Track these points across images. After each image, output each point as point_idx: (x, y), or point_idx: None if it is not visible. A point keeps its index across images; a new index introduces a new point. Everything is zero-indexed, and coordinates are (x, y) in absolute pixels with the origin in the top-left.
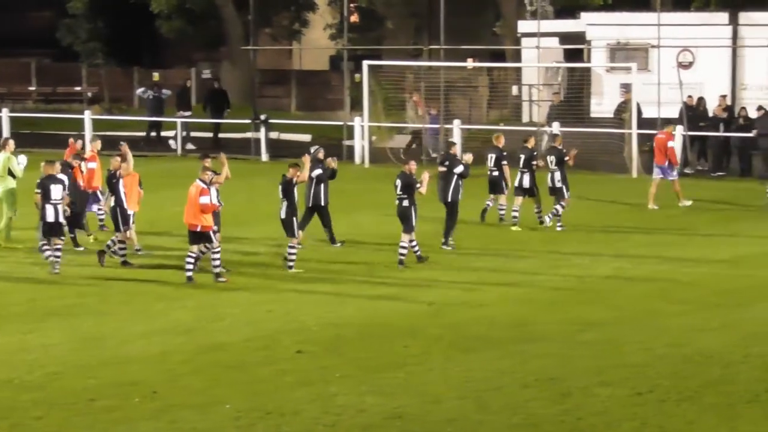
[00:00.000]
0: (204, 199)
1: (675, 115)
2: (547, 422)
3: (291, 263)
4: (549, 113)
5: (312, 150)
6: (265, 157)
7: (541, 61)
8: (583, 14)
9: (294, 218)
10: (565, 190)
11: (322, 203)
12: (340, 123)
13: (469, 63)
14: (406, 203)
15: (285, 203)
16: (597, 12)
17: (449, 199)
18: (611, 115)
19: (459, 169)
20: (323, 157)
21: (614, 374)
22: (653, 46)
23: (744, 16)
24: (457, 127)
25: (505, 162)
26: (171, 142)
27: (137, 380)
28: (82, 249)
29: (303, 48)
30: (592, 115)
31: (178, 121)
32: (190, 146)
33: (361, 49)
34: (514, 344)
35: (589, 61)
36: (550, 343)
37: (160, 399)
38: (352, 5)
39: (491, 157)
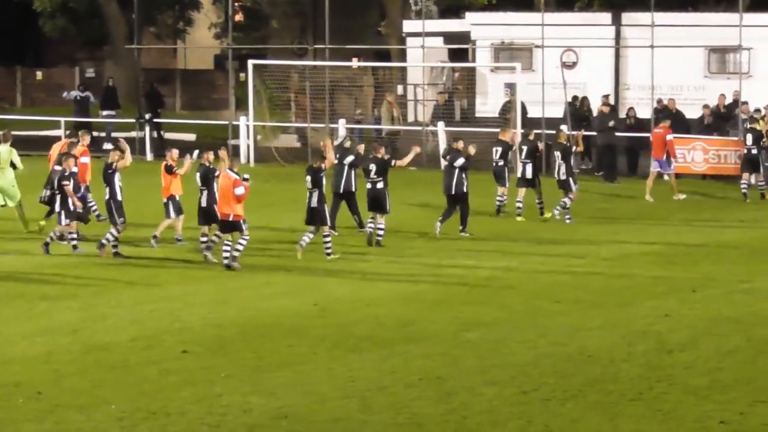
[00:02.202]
0: (239, 190)
1: (559, 114)
2: (431, 422)
3: (329, 250)
4: (434, 113)
5: (338, 140)
6: (149, 156)
7: (425, 61)
8: (467, 14)
9: (325, 206)
10: (572, 183)
11: (353, 189)
12: (225, 122)
13: (354, 62)
14: (380, 185)
15: (316, 192)
16: (481, 12)
17: (453, 192)
18: (496, 115)
19: (459, 161)
20: (349, 146)
21: (499, 373)
22: (537, 46)
23: (626, 17)
24: (342, 126)
25: (510, 154)
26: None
27: (21, 381)
28: (65, 243)
29: (188, 47)
30: (477, 114)
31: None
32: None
33: (246, 48)
34: (399, 344)
35: (473, 60)
36: (436, 342)
37: (44, 400)
38: (236, 4)
39: (497, 150)
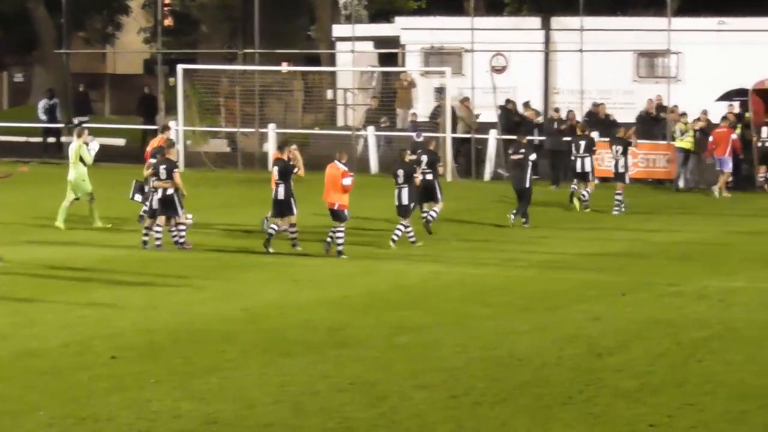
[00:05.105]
0: (347, 180)
1: (490, 119)
2: (362, 426)
3: (413, 239)
4: (365, 117)
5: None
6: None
7: (355, 66)
8: (397, 18)
9: (411, 201)
10: (626, 176)
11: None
12: (155, 127)
13: (284, 67)
14: (430, 177)
15: (406, 188)
16: (411, 16)
17: (527, 185)
18: (426, 119)
19: (534, 156)
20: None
21: (430, 377)
22: (467, 51)
23: (556, 21)
24: (272, 130)
25: (595, 149)
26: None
27: None
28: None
29: (117, 51)
30: (408, 119)
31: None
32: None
33: (176, 52)
34: (330, 348)
35: (403, 65)
36: (367, 347)
37: None
38: (166, 9)
39: (581, 144)
